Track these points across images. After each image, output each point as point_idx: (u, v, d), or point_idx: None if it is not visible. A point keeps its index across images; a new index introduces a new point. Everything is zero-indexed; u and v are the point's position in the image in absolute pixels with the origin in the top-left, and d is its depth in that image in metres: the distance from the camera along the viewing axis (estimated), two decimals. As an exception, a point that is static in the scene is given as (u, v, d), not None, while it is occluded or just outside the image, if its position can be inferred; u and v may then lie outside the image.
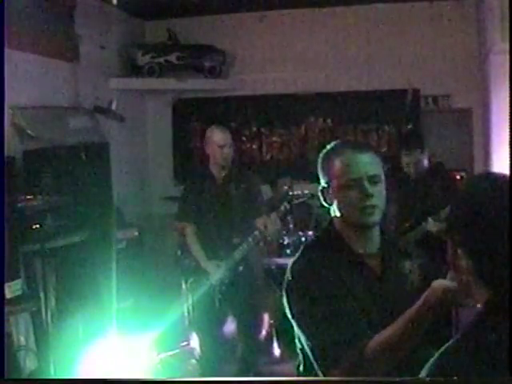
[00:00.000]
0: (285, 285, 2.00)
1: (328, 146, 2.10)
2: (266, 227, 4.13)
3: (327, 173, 2.03)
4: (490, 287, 1.33)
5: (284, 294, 2.00)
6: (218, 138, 4.26)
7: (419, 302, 1.71)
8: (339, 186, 1.98)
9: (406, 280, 2.01)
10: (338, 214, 2.01)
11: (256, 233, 4.18)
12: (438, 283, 1.69)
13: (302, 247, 2.11)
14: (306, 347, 1.91)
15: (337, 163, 1.99)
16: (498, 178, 1.40)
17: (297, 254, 2.06)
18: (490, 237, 1.32)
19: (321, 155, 2.09)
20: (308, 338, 1.89)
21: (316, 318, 1.86)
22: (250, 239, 4.18)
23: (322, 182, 2.06)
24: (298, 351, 2.03)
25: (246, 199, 4.32)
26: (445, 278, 1.70)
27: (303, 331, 1.92)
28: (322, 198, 2.06)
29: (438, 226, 4.15)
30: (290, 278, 1.97)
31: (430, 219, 4.16)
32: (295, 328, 1.98)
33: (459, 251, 1.38)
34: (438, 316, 1.71)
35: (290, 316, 1.97)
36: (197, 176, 4.52)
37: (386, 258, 2.02)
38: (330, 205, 2.03)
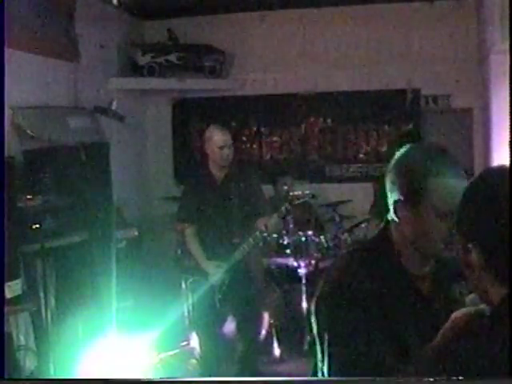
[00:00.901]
0: (317, 296, 1.75)
1: (419, 153, 1.73)
2: (266, 228, 4.13)
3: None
4: (503, 283, 1.31)
5: (314, 305, 1.75)
6: (217, 139, 4.25)
7: (437, 339, 1.54)
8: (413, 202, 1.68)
9: (455, 305, 1.74)
10: (408, 234, 1.73)
11: (257, 233, 4.18)
12: (458, 314, 1.53)
13: (345, 256, 1.86)
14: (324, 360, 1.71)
15: (435, 186, 1.64)
16: (508, 170, 1.38)
17: (339, 262, 1.84)
18: (502, 231, 1.29)
19: (408, 161, 1.72)
20: (330, 359, 1.68)
21: (346, 345, 1.65)
22: (251, 239, 4.18)
23: (398, 194, 1.71)
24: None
25: (246, 199, 4.31)
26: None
27: (329, 353, 1.69)
28: (392, 211, 1.73)
29: None
30: (327, 289, 1.73)
31: None
32: (318, 342, 1.75)
33: (470, 246, 1.36)
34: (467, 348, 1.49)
35: (315, 331, 1.74)
36: (197, 176, 4.51)
37: (437, 280, 1.79)
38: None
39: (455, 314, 1.54)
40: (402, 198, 1.70)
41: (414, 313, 1.73)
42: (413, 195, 1.68)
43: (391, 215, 1.76)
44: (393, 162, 1.76)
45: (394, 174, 1.73)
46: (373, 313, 1.65)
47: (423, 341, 1.64)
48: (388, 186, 1.76)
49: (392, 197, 1.73)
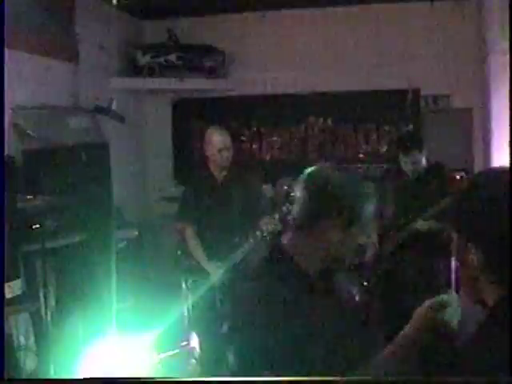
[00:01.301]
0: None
1: (338, 176, 1.95)
2: (267, 228, 4.14)
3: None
4: (502, 283, 1.31)
5: None
6: (217, 141, 4.25)
7: (404, 333, 1.70)
8: (342, 223, 1.88)
9: (346, 300, 1.99)
10: (322, 243, 1.89)
11: (257, 233, 4.18)
12: (420, 309, 1.68)
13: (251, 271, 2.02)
14: None
15: (360, 204, 1.89)
16: (505, 171, 1.38)
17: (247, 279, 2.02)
18: (503, 231, 1.29)
19: (330, 183, 1.91)
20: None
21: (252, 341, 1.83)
22: (252, 240, 4.18)
23: (325, 211, 1.90)
24: None
25: (246, 199, 4.31)
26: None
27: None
28: (314, 222, 1.91)
29: (427, 225, 4.16)
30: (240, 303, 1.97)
31: (419, 219, 4.17)
32: None
33: (470, 246, 1.35)
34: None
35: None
36: (197, 177, 4.51)
37: (330, 277, 1.97)
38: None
39: (419, 310, 1.67)
40: (329, 215, 1.87)
41: (312, 312, 1.84)
42: (344, 214, 1.87)
43: (302, 225, 1.92)
44: (307, 181, 1.96)
45: (319, 194, 1.91)
46: (276, 312, 1.77)
47: (324, 329, 1.81)
48: (311, 203, 1.91)
49: (312, 212, 1.90)
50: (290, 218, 4.92)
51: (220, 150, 4.22)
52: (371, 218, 1.93)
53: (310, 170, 1.98)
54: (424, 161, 4.30)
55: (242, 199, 4.29)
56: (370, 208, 1.91)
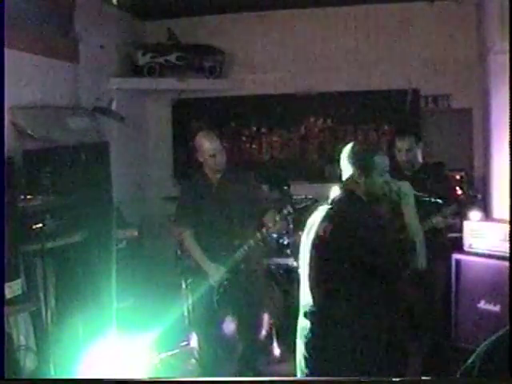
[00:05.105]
0: None
1: None
2: (270, 226, 4.14)
3: None
4: None
5: None
6: (207, 147, 4.24)
7: None
8: None
9: None
10: None
11: (257, 234, 4.18)
12: None
13: None
14: None
15: None
16: None
17: None
18: None
19: None
20: None
21: None
22: (252, 241, 4.17)
23: None
24: None
25: (244, 200, 4.29)
26: None
27: None
28: None
29: (444, 223, 4.11)
30: None
31: (437, 215, 4.10)
32: None
33: None
34: None
35: None
36: (193, 180, 4.49)
37: None
38: None
39: None
40: None
41: None
42: None
43: None
44: None
45: None
46: None
47: None
48: None
49: None
50: (289, 217, 4.90)
51: (212, 155, 4.22)
52: None
53: None
54: (420, 156, 4.23)
55: (239, 200, 4.27)
56: None
